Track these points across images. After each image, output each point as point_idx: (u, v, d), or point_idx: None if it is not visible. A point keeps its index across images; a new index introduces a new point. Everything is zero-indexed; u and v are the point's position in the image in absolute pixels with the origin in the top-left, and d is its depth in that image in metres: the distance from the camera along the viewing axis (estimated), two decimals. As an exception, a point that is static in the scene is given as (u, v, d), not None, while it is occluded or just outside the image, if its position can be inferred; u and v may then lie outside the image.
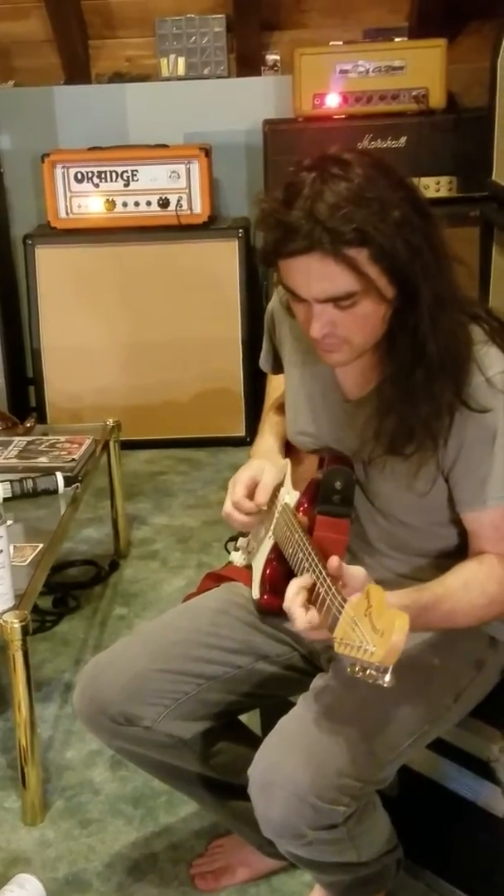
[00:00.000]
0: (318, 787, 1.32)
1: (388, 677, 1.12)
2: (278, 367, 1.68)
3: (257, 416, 4.26)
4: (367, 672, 1.13)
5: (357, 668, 1.14)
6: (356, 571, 1.27)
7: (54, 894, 1.77)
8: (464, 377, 1.34)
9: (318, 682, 1.47)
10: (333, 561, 1.27)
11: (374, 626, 1.12)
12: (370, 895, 1.60)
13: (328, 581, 1.24)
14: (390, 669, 1.12)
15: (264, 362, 1.73)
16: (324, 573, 1.26)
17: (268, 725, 1.43)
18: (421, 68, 3.43)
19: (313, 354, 1.47)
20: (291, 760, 1.34)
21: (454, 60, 3.51)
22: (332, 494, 1.42)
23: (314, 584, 1.27)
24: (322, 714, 1.40)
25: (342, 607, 1.17)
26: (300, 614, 1.25)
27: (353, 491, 1.44)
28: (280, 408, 1.70)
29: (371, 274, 1.27)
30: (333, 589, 1.22)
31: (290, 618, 1.28)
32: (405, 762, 1.52)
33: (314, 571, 1.29)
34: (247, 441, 3.76)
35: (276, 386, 1.78)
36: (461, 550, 1.46)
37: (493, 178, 3.02)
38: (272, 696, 1.65)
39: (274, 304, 1.63)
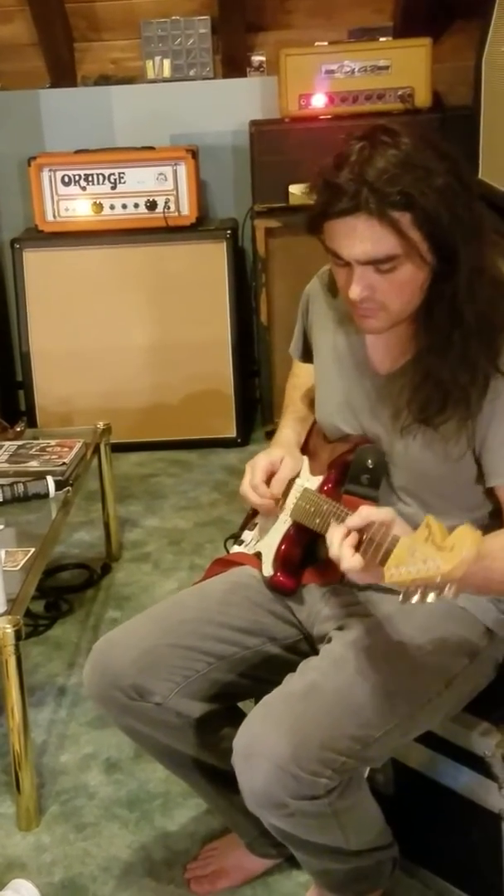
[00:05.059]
0: (299, 758, 1.34)
1: (454, 588, 1.14)
2: (306, 356, 1.70)
3: (248, 417, 4.26)
4: (427, 591, 1.15)
5: (412, 592, 1.15)
6: (406, 527, 1.31)
7: (50, 899, 1.77)
8: (499, 345, 1.38)
9: (306, 662, 1.49)
10: (390, 513, 1.30)
11: (440, 546, 1.14)
12: (365, 893, 1.60)
13: (374, 526, 1.28)
14: (456, 582, 1.14)
15: (294, 348, 1.76)
16: (369, 524, 1.29)
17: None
18: (406, 68, 3.44)
19: (346, 329, 1.52)
20: (275, 732, 1.36)
21: (439, 59, 3.51)
22: (362, 473, 1.48)
23: (357, 537, 1.30)
24: (308, 690, 1.42)
25: (396, 541, 1.21)
26: (349, 554, 1.28)
27: (383, 472, 1.48)
28: (310, 401, 1.72)
29: (413, 238, 1.32)
30: (383, 531, 1.26)
31: (339, 557, 1.29)
32: (395, 750, 1.53)
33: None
34: (237, 442, 3.76)
35: (301, 376, 1.80)
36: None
37: (480, 176, 3.03)
38: (277, 683, 1.66)
39: (311, 286, 1.67)
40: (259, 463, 1.62)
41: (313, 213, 1.37)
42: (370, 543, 1.27)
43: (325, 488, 1.54)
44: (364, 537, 1.28)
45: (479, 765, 1.57)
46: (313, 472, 1.61)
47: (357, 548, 1.29)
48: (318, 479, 1.57)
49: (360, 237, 1.33)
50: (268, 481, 1.60)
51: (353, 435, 1.55)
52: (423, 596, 1.15)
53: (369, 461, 1.48)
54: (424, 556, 1.14)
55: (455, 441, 1.42)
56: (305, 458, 1.66)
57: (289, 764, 1.34)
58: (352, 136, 1.36)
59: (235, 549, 1.75)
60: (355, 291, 1.37)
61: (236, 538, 1.77)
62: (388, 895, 1.64)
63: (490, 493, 1.47)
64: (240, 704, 1.67)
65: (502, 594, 1.49)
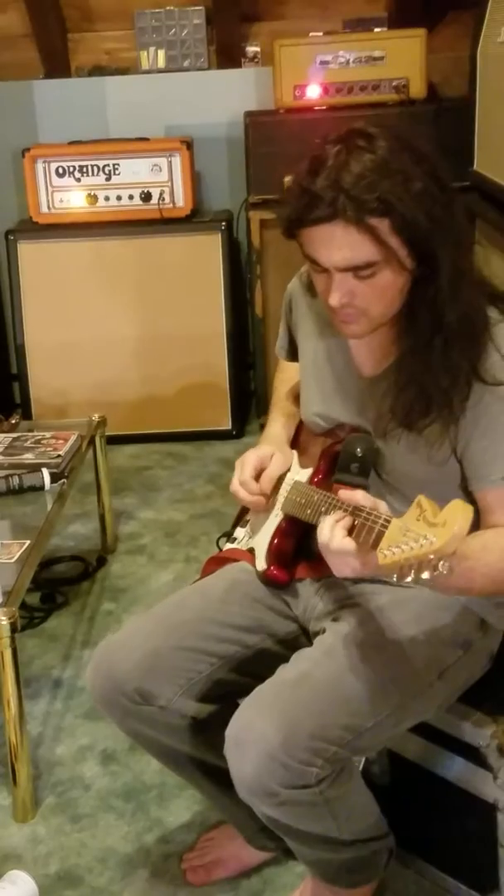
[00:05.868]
0: (288, 746, 1.34)
1: (447, 564, 1.14)
2: (293, 355, 1.70)
3: (243, 409, 4.26)
4: (421, 569, 1.14)
5: (407, 571, 1.15)
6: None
7: (46, 890, 1.77)
8: (480, 350, 1.37)
9: (299, 653, 1.49)
10: (372, 501, 1.30)
11: (432, 523, 1.14)
12: (360, 884, 1.60)
13: (365, 511, 1.28)
14: (449, 558, 1.14)
15: (280, 348, 1.75)
16: (359, 508, 1.29)
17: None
18: (401, 58, 3.42)
19: (329, 331, 1.50)
20: (265, 721, 1.37)
21: (434, 50, 3.50)
22: (351, 462, 1.47)
23: (350, 521, 1.30)
24: (299, 679, 1.42)
25: (388, 523, 1.21)
26: (340, 536, 1.28)
27: (371, 460, 1.47)
28: (295, 397, 1.71)
29: (392, 244, 1.31)
30: (374, 514, 1.26)
31: (330, 540, 1.29)
32: (388, 740, 1.52)
33: (348, 509, 1.32)
34: (232, 434, 3.76)
35: (287, 371, 1.79)
36: None
37: (475, 167, 3.02)
38: None
39: (292, 286, 1.66)
40: (248, 459, 1.61)
41: (290, 219, 1.35)
42: (362, 528, 1.27)
43: (316, 479, 1.53)
44: (356, 522, 1.28)
45: (475, 755, 1.57)
46: (303, 465, 1.61)
47: (349, 533, 1.29)
48: (308, 472, 1.57)
49: (339, 245, 1.31)
50: (257, 477, 1.59)
51: (341, 425, 1.55)
52: (417, 574, 1.15)
53: (358, 450, 1.47)
54: (417, 535, 1.14)
55: (438, 445, 1.42)
56: (295, 453, 1.66)
57: (278, 752, 1.34)
58: (327, 139, 1.34)
59: (228, 546, 1.74)
60: (335, 298, 1.36)
61: (228, 536, 1.77)
62: (383, 886, 1.65)
63: (473, 496, 1.46)
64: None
65: (484, 595, 1.47)
